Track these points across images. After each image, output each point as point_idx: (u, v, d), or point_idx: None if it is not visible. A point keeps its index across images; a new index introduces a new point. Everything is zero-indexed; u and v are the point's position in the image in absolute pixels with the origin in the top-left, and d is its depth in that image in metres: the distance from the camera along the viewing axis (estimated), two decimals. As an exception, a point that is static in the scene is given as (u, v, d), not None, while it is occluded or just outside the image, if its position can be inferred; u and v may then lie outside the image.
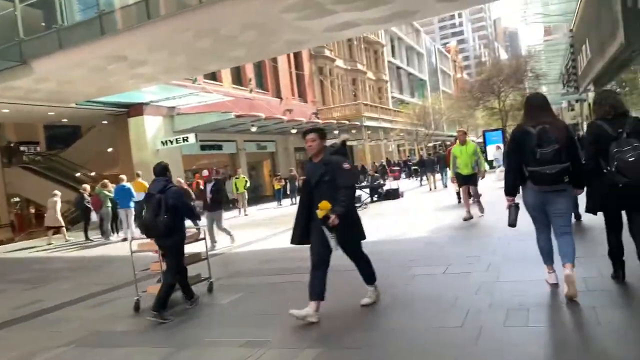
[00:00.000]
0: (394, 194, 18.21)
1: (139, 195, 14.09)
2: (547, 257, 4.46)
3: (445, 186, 20.15)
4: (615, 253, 4.35)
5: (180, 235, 5.44)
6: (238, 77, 28.09)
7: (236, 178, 18.56)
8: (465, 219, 9.58)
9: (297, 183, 21.81)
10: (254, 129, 24.19)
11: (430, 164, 22.56)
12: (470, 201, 10.01)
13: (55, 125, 26.69)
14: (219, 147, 25.36)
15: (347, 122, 32.41)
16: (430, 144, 57.15)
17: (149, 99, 20.14)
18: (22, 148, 28.14)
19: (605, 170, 4.07)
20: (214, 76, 25.84)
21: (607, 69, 21.10)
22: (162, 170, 5.57)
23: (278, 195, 21.34)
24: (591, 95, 29.65)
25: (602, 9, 19.08)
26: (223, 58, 13.74)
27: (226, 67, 15.20)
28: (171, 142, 20.40)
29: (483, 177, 9.91)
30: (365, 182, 19.66)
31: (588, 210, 4.44)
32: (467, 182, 9.73)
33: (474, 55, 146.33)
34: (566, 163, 4.07)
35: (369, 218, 12.34)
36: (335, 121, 30.82)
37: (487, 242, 7.15)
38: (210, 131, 23.93)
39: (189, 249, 5.87)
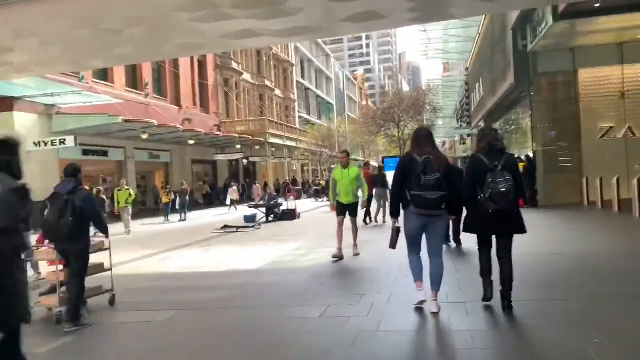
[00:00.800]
0: (290, 215, 17.55)
1: None
2: (418, 275, 4.84)
3: None
4: (486, 273, 4.79)
5: (86, 241, 5.18)
6: (133, 80, 26.11)
7: (118, 190, 15.80)
8: (334, 258, 7.88)
9: (187, 197, 20.40)
10: (144, 136, 22.44)
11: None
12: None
13: None
14: (104, 154, 23.16)
15: (250, 137, 31.45)
16: (334, 166, 57.97)
17: (21, 92, 17.74)
18: None
19: (479, 197, 4.59)
20: (105, 76, 23.75)
21: (497, 107, 22.41)
22: (73, 172, 5.28)
23: (166, 210, 19.74)
24: (482, 131, 31.57)
25: (495, 51, 20.22)
26: (108, 55, 12.24)
27: (112, 64, 13.69)
28: (45, 144, 18.09)
29: (364, 207, 8.94)
30: (262, 202, 18.82)
31: (465, 230, 4.97)
32: (345, 212, 8.21)
33: (379, 85, 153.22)
34: (445, 191, 4.55)
35: (258, 241, 11.52)
36: (237, 136, 29.71)
37: (374, 277, 6.61)
38: (95, 135, 21.80)
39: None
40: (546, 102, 16.14)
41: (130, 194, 15.63)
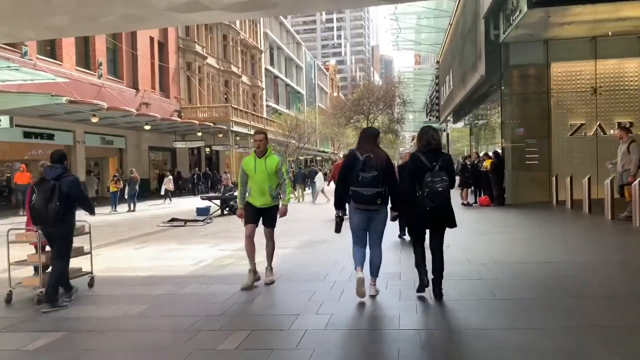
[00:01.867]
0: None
1: None
2: (359, 262, 5.07)
3: (314, 198, 20.73)
4: (420, 264, 5.09)
5: (71, 224, 5.44)
6: (85, 59, 24.37)
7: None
8: (243, 288, 5.70)
9: (137, 187, 19.03)
10: (94, 120, 20.88)
11: (300, 177, 24.17)
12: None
13: None
14: (50, 137, 21.46)
15: (212, 124, 30.03)
16: (302, 157, 56.84)
17: (-51, 66, 15.99)
18: None
19: (418, 194, 4.89)
20: (52, 53, 21.99)
21: (467, 100, 21.75)
22: (60, 158, 5.48)
23: (114, 199, 18.31)
24: (450, 125, 31.07)
25: (466, 41, 19.48)
26: (39, 25, 10.83)
27: (45, 36, 12.25)
28: (-23, 124, 16.39)
29: (283, 214, 6.02)
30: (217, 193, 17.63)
31: (406, 226, 5.38)
32: (258, 219, 5.94)
33: (351, 77, 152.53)
34: (381, 188, 4.84)
35: (202, 238, 10.41)
36: (197, 122, 28.26)
37: (318, 289, 5.64)
38: (40, 117, 20.13)
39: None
40: (516, 96, 15.48)
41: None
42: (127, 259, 8.20)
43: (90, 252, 6.27)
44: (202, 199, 16.81)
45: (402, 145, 62.55)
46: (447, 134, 32.61)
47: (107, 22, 11.12)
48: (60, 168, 5.36)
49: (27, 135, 20.12)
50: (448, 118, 30.22)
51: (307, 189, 24.72)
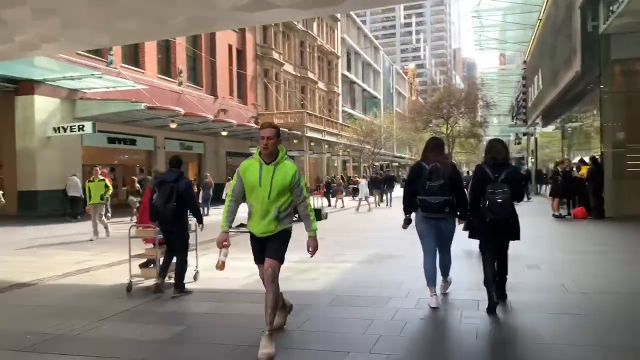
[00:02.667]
0: (315, 215, 15.89)
1: None
2: (431, 280, 5.09)
3: (389, 203, 22.43)
4: (489, 283, 4.86)
5: (186, 222, 5.97)
6: (167, 67, 25.22)
7: (89, 181, 11.78)
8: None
9: (211, 191, 19.17)
10: (173, 126, 21.41)
11: (376, 183, 24.28)
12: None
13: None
14: (132, 142, 22.34)
15: (286, 130, 30.03)
16: (377, 163, 55.82)
17: (43, 75, 16.99)
18: None
19: (481, 206, 4.86)
20: (135, 62, 22.93)
21: (558, 101, 19.82)
22: (177, 163, 6.07)
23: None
24: (539, 129, 28.75)
25: (558, 37, 17.70)
26: (111, 28, 11.00)
27: (119, 41, 12.53)
28: (64, 130, 17.30)
29: (315, 249, 4.34)
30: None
31: (470, 236, 5.12)
32: (262, 254, 4.27)
33: (431, 81, 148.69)
34: (449, 196, 4.91)
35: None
36: (272, 128, 28.30)
37: (372, 314, 4.87)
38: (123, 123, 20.98)
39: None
40: (618, 94, 13.66)
41: (106, 186, 11.77)
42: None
43: (195, 249, 6.62)
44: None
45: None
46: (535, 139, 30.19)
47: (174, 25, 11.05)
48: (178, 172, 5.96)
49: (111, 140, 21.04)
50: (536, 121, 27.95)
51: (384, 195, 24.26)
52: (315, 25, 44.08)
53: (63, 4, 9.62)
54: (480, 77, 39.49)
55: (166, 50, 25.25)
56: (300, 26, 40.80)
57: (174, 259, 6.06)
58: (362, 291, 5.94)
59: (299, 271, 7.07)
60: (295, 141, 33.38)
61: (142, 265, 6.87)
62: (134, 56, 22.89)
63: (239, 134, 28.28)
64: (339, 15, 50.94)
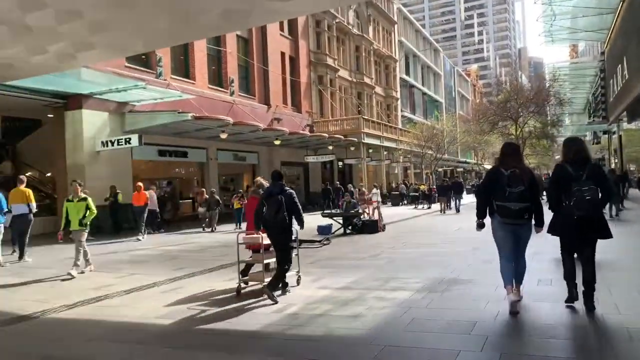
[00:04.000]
0: (371, 227, 14.50)
1: (16, 209, 10.64)
2: (508, 279, 5.12)
3: (457, 210, 22.50)
4: (570, 276, 5.07)
5: (291, 231, 6.43)
6: (218, 77, 24.78)
7: (68, 200, 9.18)
8: None
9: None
10: (223, 136, 20.74)
11: (442, 190, 24.26)
12: None
13: (14, 117, 23.64)
14: (184, 154, 21.92)
15: (342, 137, 28.79)
16: (440, 169, 53.27)
17: (90, 89, 16.81)
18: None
19: (564, 204, 4.92)
20: (186, 73, 22.60)
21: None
22: (279, 176, 6.66)
23: (238, 217, 17.67)
24: (624, 125, 25.69)
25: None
26: (142, 30, 10.25)
27: (152, 45, 11.73)
28: (112, 143, 16.98)
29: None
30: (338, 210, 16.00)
31: (549, 231, 5.19)
32: None
33: (497, 81, 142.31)
34: (528, 202, 4.96)
35: (305, 267, 8.65)
36: (326, 135, 27.19)
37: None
38: (173, 135, 20.58)
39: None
40: None
41: (88, 208, 9.04)
42: (202, 295, 6.71)
43: (297, 254, 6.94)
44: (324, 216, 15.27)
45: (559, 152, 55.40)
46: (620, 136, 27.07)
47: (207, 23, 10.11)
48: (281, 184, 6.45)
49: (161, 153, 20.69)
50: (620, 117, 24.96)
51: (450, 202, 23.97)
52: (370, 29, 42.76)
53: (85, 3, 8.90)
54: (552, 72, 36.27)
55: (217, 60, 24.84)
56: (355, 30, 39.63)
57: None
58: (420, 338, 4.48)
59: (340, 303, 5.72)
60: (352, 148, 32.05)
61: (243, 273, 7.06)
62: (183, 67, 22.58)
63: (293, 142, 27.37)
64: (395, 18, 49.35)
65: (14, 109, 19.09)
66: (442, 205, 23.34)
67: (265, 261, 6.77)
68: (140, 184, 15.67)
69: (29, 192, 10.75)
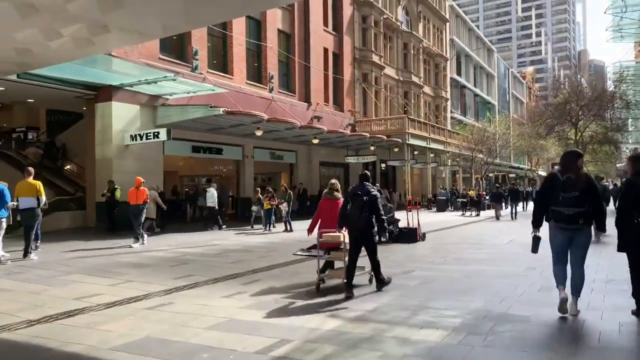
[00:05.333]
0: (410, 235, 13.04)
1: (23, 202, 9.94)
2: (561, 280, 5.23)
3: (514, 217, 22.07)
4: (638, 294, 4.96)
5: (374, 229, 6.66)
6: (257, 73, 23.88)
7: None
8: None
9: (291, 203, 17.09)
10: (258, 133, 19.73)
11: (496, 196, 23.66)
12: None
13: (58, 110, 23.71)
14: (218, 151, 21.12)
15: (384, 137, 27.28)
16: (491, 174, 50.55)
17: (120, 80, 16.21)
18: (15, 134, 25.75)
19: (636, 221, 4.81)
20: (223, 67, 21.80)
21: None
22: (366, 177, 6.88)
23: (268, 218, 16.60)
24: None
25: None
26: (155, 8, 9.30)
27: (170, 29, 10.64)
28: (140, 137, 16.30)
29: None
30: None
31: (619, 249, 5.10)
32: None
33: (555, 82, 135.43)
34: (583, 208, 4.96)
35: (326, 282, 7.37)
36: (368, 135, 25.77)
37: None
38: (207, 130, 19.81)
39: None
40: None
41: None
42: (191, 317, 5.55)
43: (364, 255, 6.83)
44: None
45: (622, 160, 51.30)
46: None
47: (225, 2, 9.02)
48: (367, 185, 6.63)
49: (195, 149, 19.97)
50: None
51: (505, 208, 24.04)
52: (420, 26, 40.94)
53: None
54: (617, 72, 33.21)
55: (257, 56, 23.96)
56: (403, 27, 37.98)
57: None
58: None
59: (347, 344, 4.40)
60: (396, 149, 30.46)
61: (321, 270, 7.26)
62: (221, 61, 21.80)
63: (333, 142, 26.15)
64: (447, 15, 47.21)
65: (47, 100, 18.88)
66: (497, 213, 22.82)
67: (326, 258, 7.32)
68: (140, 178, 12.79)
69: (39, 184, 10.02)
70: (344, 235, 6.75)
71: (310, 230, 7.79)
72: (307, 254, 10.78)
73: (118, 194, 15.47)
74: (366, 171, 7.10)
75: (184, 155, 20.04)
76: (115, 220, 15.63)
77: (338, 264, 7.42)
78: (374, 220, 6.56)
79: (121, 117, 16.60)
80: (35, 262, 9.61)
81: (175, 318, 5.47)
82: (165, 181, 24.24)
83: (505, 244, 12.50)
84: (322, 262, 7.39)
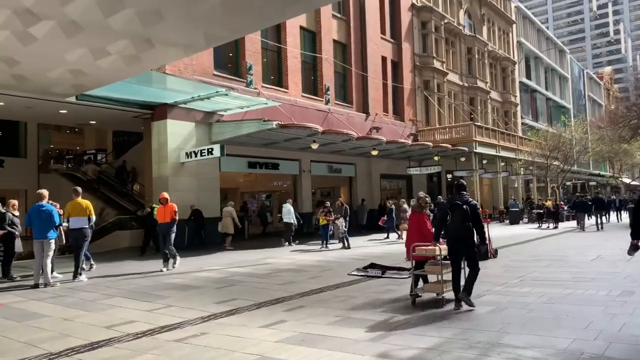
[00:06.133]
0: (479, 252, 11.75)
1: (74, 222, 9.83)
2: None
3: (600, 228, 21.33)
4: None
5: (474, 241, 6.55)
6: (313, 86, 23.42)
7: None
8: None
9: (346, 220, 16.21)
10: (314, 146, 19.15)
11: (583, 206, 22.54)
12: None
13: (122, 131, 24.50)
14: (275, 166, 20.71)
15: (449, 146, 25.84)
16: (569, 183, 47.06)
17: (174, 98, 16.22)
18: (86, 157, 26.86)
19: None
20: (278, 81, 21.51)
21: None
22: (462, 187, 6.79)
23: (324, 235, 15.83)
24: None
25: None
26: (194, 21, 8.92)
27: (212, 41, 10.16)
28: (195, 154, 16.17)
29: None
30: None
31: None
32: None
33: (635, 86, 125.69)
34: None
35: (377, 312, 6.47)
36: (430, 144, 24.49)
37: None
38: (263, 146, 19.49)
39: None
40: None
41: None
42: (219, 353, 4.85)
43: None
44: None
45: None
46: None
47: (262, 8, 8.45)
48: (465, 195, 6.57)
49: (251, 165, 19.69)
50: None
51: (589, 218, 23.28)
52: (484, 29, 39.09)
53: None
54: None
55: (312, 68, 23.53)
56: (466, 31, 36.37)
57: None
58: None
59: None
60: (462, 159, 28.83)
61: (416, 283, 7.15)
62: (276, 75, 21.54)
63: (394, 153, 25.07)
64: (513, 17, 44.88)
65: (109, 122, 19.35)
66: (581, 224, 21.97)
67: (420, 273, 7.25)
68: (165, 195, 11.53)
69: (88, 204, 9.89)
70: (440, 249, 6.64)
71: (408, 243, 7.62)
72: (362, 273, 9.93)
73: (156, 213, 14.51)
74: (462, 180, 7.03)
75: (240, 171, 19.83)
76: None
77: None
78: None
79: (176, 134, 16.59)
80: (84, 283, 9.42)
81: (201, 354, 4.79)
82: (229, 199, 24.25)
83: (592, 261, 10.93)
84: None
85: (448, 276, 6.76)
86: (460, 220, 6.33)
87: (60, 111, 16.22)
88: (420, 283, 7.45)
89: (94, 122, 19.26)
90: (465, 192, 6.66)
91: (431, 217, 9.08)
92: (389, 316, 6.12)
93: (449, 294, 6.72)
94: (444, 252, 6.68)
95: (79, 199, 9.91)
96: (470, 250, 6.50)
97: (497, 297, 7.18)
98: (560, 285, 7.80)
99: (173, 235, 11.16)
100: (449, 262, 6.74)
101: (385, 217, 19.63)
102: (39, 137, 22.68)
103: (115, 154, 25.98)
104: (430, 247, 6.76)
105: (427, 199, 7.69)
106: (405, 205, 17.83)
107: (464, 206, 6.36)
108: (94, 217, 10.10)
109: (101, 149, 27.11)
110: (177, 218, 11.24)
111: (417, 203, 7.74)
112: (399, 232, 18.05)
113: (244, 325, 5.88)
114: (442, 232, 6.69)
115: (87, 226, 9.93)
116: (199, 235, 16.60)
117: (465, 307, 6.31)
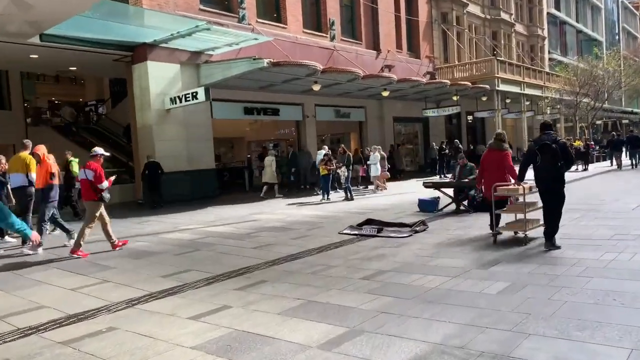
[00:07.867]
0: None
1: (13, 179, 8.43)
2: None
3: (635, 166, 20.94)
4: None
5: (564, 180, 6.41)
6: (316, 20, 21.20)
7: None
8: None
9: (349, 168, 14.58)
10: (316, 88, 17.34)
11: (618, 144, 22.29)
12: None
13: (117, 79, 22.91)
14: (275, 112, 18.99)
15: (469, 84, 23.56)
16: (599, 122, 44.05)
17: (152, 36, 14.40)
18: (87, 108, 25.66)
19: None
20: (276, 16, 19.38)
21: None
22: (549, 126, 6.66)
23: (324, 185, 14.26)
24: None
25: None
26: None
27: None
28: (180, 100, 14.53)
29: None
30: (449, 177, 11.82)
31: None
32: None
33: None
34: None
35: (364, 283, 4.94)
36: (448, 83, 22.26)
37: None
38: (260, 89, 17.75)
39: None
40: None
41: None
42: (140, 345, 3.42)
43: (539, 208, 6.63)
44: (426, 186, 11.16)
45: None
46: None
47: None
48: (552, 134, 6.46)
49: (247, 111, 18.02)
50: None
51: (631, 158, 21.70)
52: (509, -47, 35.41)
53: None
54: None
55: (315, 0, 21.22)
56: (489, -43, 32.94)
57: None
58: None
59: None
60: (484, 98, 26.59)
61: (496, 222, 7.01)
62: (273, 9, 19.38)
63: (407, 94, 23.00)
64: (542, -61, 40.66)
65: (89, 67, 17.71)
66: (618, 162, 21.78)
67: (502, 212, 7.22)
68: (41, 148, 8.61)
69: (30, 159, 8.41)
70: (524, 188, 6.67)
71: (478, 186, 7.86)
72: (356, 232, 8.39)
73: (74, 167, 11.51)
74: (547, 119, 6.84)
75: (235, 118, 18.18)
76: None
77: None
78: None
79: (159, 78, 14.91)
80: (25, 254, 8.02)
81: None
82: (235, 148, 22.71)
83: (634, 210, 9.16)
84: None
85: (529, 215, 6.73)
86: (552, 160, 6.18)
87: (31, 56, 14.63)
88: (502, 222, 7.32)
89: (74, 68, 17.67)
90: (551, 131, 6.54)
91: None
92: (364, 299, 4.59)
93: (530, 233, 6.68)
94: (527, 192, 6.68)
95: (21, 153, 8.45)
96: (559, 191, 6.35)
97: (517, 266, 5.56)
98: (599, 248, 6.13)
99: (51, 207, 8.28)
100: (532, 201, 6.86)
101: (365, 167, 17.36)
102: (23, 87, 21.18)
103: (113, 103, 24.57)
104: (513, 187, 6.90)
105: (504, 135, 7.70)
106: (376, 153, 15.92)
107: (553, 145, 6.20)
108: (34, 175, 8.39)
109: (100, 99, 25.75)
110: (54, 182, 8.36)
111: (494, 140, 7.61)
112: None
113: (172, 314, 4.43)
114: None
115: (27, 184, 8.39)
116: (153, 195, 13.89)
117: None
